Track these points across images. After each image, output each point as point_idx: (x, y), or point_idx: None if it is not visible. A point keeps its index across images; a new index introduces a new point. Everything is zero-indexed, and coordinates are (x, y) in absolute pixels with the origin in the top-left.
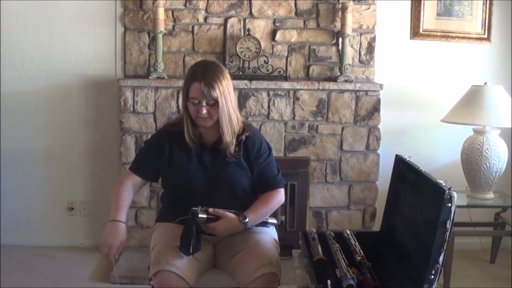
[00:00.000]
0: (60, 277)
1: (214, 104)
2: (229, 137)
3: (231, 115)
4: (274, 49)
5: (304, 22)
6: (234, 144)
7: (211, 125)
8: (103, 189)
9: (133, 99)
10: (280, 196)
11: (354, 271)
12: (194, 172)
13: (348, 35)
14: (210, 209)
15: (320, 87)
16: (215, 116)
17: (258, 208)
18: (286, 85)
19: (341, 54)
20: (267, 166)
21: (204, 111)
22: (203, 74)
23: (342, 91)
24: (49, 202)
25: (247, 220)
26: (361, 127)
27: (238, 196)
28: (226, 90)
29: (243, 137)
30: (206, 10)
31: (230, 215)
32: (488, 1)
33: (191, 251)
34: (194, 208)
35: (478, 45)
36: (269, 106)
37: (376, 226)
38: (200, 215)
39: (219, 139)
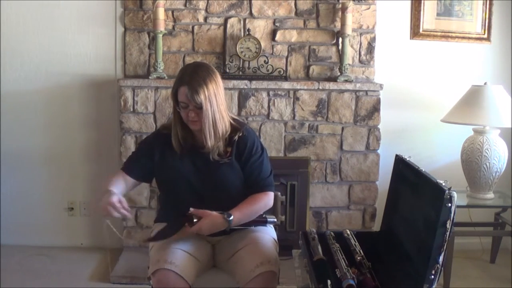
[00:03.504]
0: (60, 277)
1: (201, 107)
2: (211, 141)
3: (216, 120)
4: (274, 49)
5: (304, 22)
6: (220, 147)
7: (201, 127)
8: (103, 189)
9: (133, 99)
10: (267, 199)
11: (354, 271)
12: (187, 173)
13: (348, 35)
14: (191, 209)
15: (320, 87)
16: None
17: (242, 207)
18: (286, 85)
19: (341, 54)
20: (258, 167)
21: (193, 114)
22: (189, 78)
23: (342, 91)
24: (49, 202)
25: (231, 218)
26: (361, 127)
27: (232, 197)
28: (213, 93)
29: (236, 137)
30: (206, 10)
31: (213, 213)
32: (488, 1)
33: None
34: (188, 212)
35: (478, 45)
36: (269, 106)
37: (376, 226)
38: (195, 220)
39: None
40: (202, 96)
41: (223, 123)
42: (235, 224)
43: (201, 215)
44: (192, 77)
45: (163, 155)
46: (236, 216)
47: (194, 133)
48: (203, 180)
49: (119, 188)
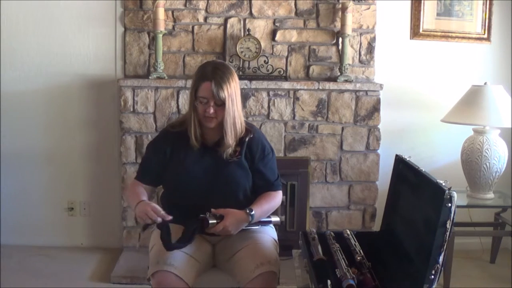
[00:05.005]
0: (60, 277)
1: (222, 104)
2: (231, 140)
3: (235, 119)
4: (274, 49)
5: (304, 22)
6: (233, 147)
7: (216, 125)
8: (103, 189)
9: (133, 99)
10: (279, 198)
11: (354, 271)
12: (194, 171)
13: (348, 35)
14: (212, 210)
15: (320, 87)
16: (221, 116)
17: (262, 203)
18: (286, 85)
19: (341, 54)
20: (270, 167)
21: (212, 110)
22: (213, 74)
23: (342, 91)
24: (49, 202)
25: (253, 212)
26: (361, 127)
27: (238, 197)
28: (234, 92)
29: (247, 138)
30: (206, 10)
31: (234, 210)
32: (488, 1)
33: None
34: (202, 215)
35: (478, 45)
36: (269, 106)
37: (376, 226)
38: (210, 221)
39: (221, 140)
40: (226, 93)
41: (241, 122)
42: (255, 220)
43: (222, 214)
44: (215, 73)
45: (173, 152)
46: (257, 211)
47: (204, 130)
48: (211, 178)
49: (144, 196)
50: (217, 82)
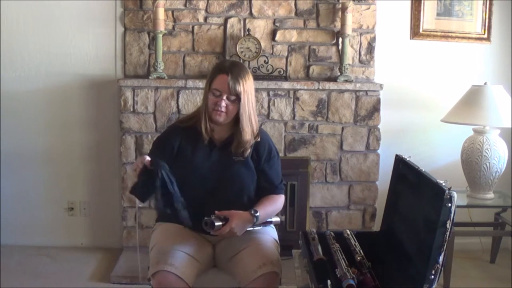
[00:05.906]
0: (60, 277)
1: (234, 100)
2: (248, 136)
3: (251, 115)
4: (274, 49)
5: (304, 22)
6: (251, 145)
7: (224, 121)
8: (103, 189)
9: (133, 99)
10: (282, 202)
11: (354, 271)
12: (201, 169)
13: (348, 35)
14: (216, 212)
15: (320, 87)
16: (231, 113)
17: (266, 205)
18: (286, 85)
19: (341, 54)
20: (275, 170)
21: (223, 104)
22: (231, 68)
23: (342, 91)
24: (49, 202)
25: (258, 213)
26: (361, 127)
27: (241, 197)
28: (249, 89)
29: (253, 140)
30: (206, 10)
31: (239, 211)
32: (488, 1)
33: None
34: (206, 218)
35: (478, 45)
36: (269, 106)
37: (376, 226)
38: (216, 223)
39: (230, 138)
40: (241, 87)
41: (255, 121)
42: (259, 221)
43: (227, 215)
44: (233, 68)
45: (181, 147)
46: (262, 213)
47: (213, 127)
48: (217, 176)
49: None
50: (234, 76)
